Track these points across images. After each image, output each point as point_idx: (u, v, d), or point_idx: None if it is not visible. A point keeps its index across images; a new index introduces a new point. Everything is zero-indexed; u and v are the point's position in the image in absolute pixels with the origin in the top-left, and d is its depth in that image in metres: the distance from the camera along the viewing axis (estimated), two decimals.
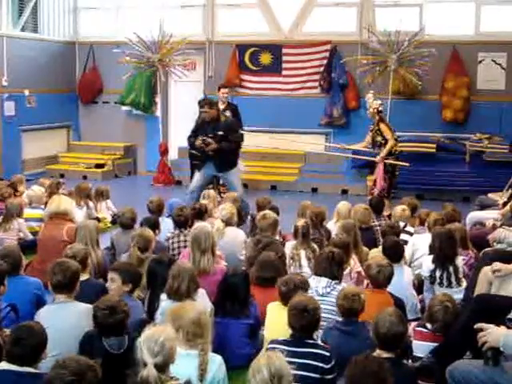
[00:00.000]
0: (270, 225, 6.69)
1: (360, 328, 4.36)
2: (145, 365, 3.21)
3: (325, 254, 5.25)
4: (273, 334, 4.45)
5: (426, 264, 5.89)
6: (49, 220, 7.25)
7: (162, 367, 3.24)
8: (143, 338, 3.31)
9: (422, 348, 4.50)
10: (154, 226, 6.80)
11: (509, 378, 3.65)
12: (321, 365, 3.92)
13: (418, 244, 6.59)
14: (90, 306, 4.67)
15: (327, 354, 3.98)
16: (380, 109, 9.81)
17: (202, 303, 4.69)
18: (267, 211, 7.07)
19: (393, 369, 3.41)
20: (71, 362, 3.12)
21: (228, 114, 10.52)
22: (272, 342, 4.10)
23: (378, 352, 3.85)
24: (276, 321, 4.59)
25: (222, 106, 10.56)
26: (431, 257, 5.87)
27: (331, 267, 5.13)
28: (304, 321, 4.02)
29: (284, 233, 7.49)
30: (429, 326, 4.64)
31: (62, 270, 4.59)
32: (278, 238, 6.90)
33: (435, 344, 4.44)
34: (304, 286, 4.82)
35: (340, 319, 4.55)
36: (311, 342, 4.05)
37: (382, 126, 9.76)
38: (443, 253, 5.75)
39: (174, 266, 4.91)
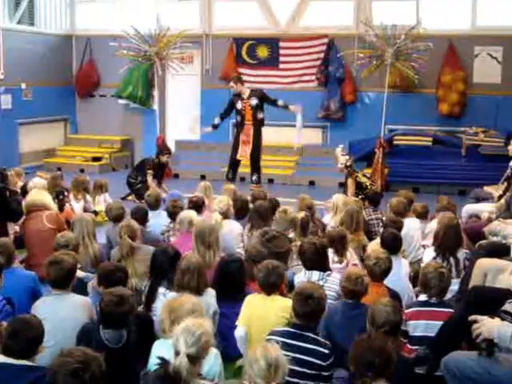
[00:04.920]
0: (287, 221, 6.57)
1: (363, 312, 4.36)
2: (177, 354, 3.24)
3: (307, 247, 5.23)
4: (258, 328, 4.42)
5: (428, 254, 5.93)
6: (27, 215, 7.21)
7: (194, 359, 3.25)
8: (181, 328, 3.33)
9: (418, 327, 4.52)
10: (145, 215, 6.91)
11: (503, 369, 3.69)
12: (318, 362, 3.92)
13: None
14: (86, 298, 4.72)
15: (326, 351, 3.97)
16: (348, 164, 9.85)
17: (207, 301, 4.70)
18: (288, 207, 6.92)
19: None
20: (77, 351, 3.13)
21: (255, 101, 10.37)
22: (272, 333, 4.07)
23: None
24: (259, 314, 4.55)
25: (245, 96, 10.44)
26: (433, 248, 5.93)
27: (318, 258, 5.15)
28: (308, 308, 4.01)
29: None
30: (422, 297, 4.68)
31: (57, 269, 4.60)
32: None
33: (430, 321, 4.48)
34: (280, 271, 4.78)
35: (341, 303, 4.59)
36: (312, 336, 4.02)
37: (348, 181, 9.83)
38: (446, 243, 5.79)
39: (183, 260, 4.89)
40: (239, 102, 10.33)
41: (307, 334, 4.02)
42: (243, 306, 4.70)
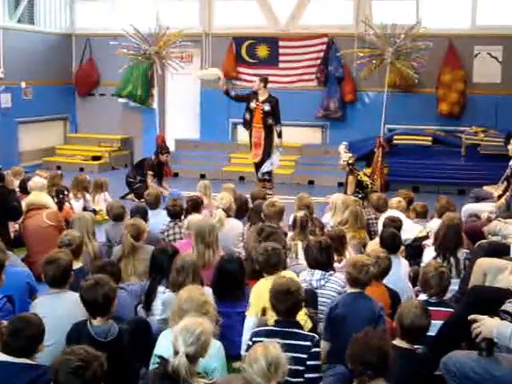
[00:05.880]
0: (277, 213, 6.68)
1: (367, 304, 4.39)
2: (176, 353, 3.24)
3: (312, 244, 5.24)
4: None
5: (428, 254, 5.94)
6: (27, 213, 7.23)
7: (193, 358, 3.26)
8: (180, 327, 3.33)
9: None
10: (145, 214, 6.89)
11: (503, 368, 3.68)
12: (304, 356, 3.87)
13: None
14: None
15: (309, 343, 3.91)
16: (350, 161, 9.86)
17: None
18: (276, 199, 7.14)
19: (410, 360, 3.55)
20: (79, 350, 3.14)
21: (267, 107, 10.46)
22: (256, 333, 4.03)
23: (397, 341, 3.90)
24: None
25: (261, 98, 10.53)
26: (433, 248, 5.93)
27: (322, 257, 5.14)
28: (289, 303, 3.96)
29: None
30: (422, 297, 4.68)
31: (54, 267, 4.60)
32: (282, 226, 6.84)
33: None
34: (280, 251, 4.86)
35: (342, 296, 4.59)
36: (296, 331, 3.97)
37: (349, 179, 9.85)
38: (446, 243, 5.79)
39: (178, 259, 4.90)
40: (254, 100, 10.46)
41: (291, 329, 3.96)
42: (251, 298, 4.74)
